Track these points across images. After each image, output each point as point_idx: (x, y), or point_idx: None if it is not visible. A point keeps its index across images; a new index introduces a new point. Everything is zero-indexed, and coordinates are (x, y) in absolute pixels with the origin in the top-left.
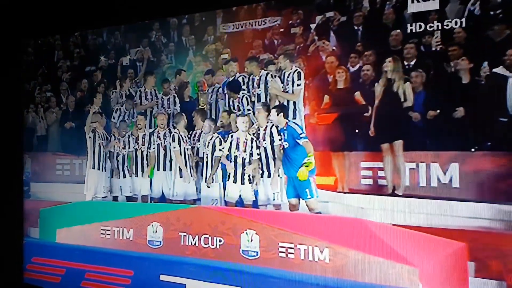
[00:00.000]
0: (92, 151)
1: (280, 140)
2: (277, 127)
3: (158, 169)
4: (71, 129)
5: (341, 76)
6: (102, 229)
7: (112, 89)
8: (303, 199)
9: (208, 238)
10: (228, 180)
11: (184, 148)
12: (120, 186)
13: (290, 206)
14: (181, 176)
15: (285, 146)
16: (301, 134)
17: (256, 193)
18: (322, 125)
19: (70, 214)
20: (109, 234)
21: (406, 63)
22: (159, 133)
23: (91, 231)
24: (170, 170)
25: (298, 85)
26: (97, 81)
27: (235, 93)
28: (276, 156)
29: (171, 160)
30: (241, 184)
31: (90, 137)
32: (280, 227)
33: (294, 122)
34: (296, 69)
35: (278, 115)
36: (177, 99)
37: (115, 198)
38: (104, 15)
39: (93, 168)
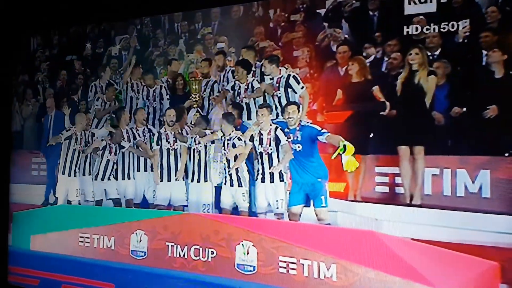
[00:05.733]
0: (64, 156)
1: (286, 141)
2: (282, 129)
3: (138, 170)
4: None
5: (354, 68)
6: (80, 237)
7: (93, 81)
8: (315, 207)
9: (198, 249)
10: (225, 183)
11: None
12: (105, 190)
13: (290, 215)
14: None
15: (298, 149)
16: (321, 130)
17: (252, 199)
18: (332, 124)
19: (46, 219)
20: (88, 242)
21: (429, 53)
22: (138, 130)
23: (68, 238)
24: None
25: (302, 87)
26: (78, 71)
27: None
28: (281, 159)
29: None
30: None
31: (65, 144)
32: (281, 239)
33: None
34: (289, 74)
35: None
36: (163, 91)
37: (99, 203)
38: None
39: (63, 173)
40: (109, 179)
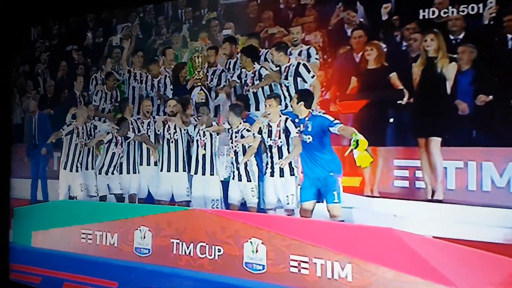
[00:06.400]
0: (66, 151)
1: (297, 132)
2: (292, 120)
3: (143, 164)
4: (50, 117)
5: (371, 54)
6: (83, 233)
7: (94, 72)
8: (327, 203)
9: (205, 246)
10: (233, 178)
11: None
12: (108, 184)
13: (302, 211)
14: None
15: (308, 141)
16: (334, 121)
17: (261, 194)
18: (346, 114)
19: (48, 215)
20: (91, 239)
21: (452, 37)
22: (143, 122)
23: (70, 234)
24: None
25: (313, 76)
26: (78, 62)
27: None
28: (292, 151)
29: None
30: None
31: (67, 138)
32: (292, 236)
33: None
34: (299, 63)
35: (298, 103)
36: (168, 81)
37: (102, 198)
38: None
39: (65, 168)
40: (112, 173)
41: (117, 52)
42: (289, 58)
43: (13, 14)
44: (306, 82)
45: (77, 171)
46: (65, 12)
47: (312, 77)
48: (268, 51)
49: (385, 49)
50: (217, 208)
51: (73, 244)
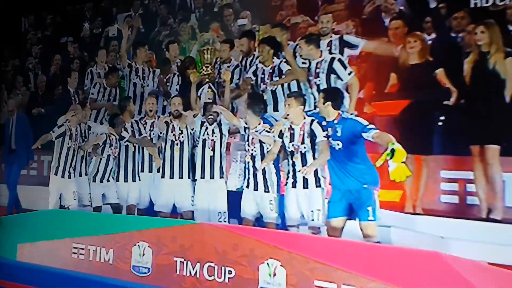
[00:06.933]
0: (57, 155)
1: (324, 137)
2: (319, 123)
3: (142, 171)
4: (40, 116)
5: (414, 47)
6: (74, 247)
7: (90, 66)
8: (360, 221)
9: (213, 267)
10: (248, 186)
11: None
12: (104, 193)
13: (330, 229)
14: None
15: (337, 147)
16: (368, 125)
17: (281, 209)
18: (384, 117)
19: (36, 226)
20: (83, 254)
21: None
22: (146, 123)
23: (60, 248)
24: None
25: (350, 73)
26: (73, 55)
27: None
28: (316, 160)
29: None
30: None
31: (58, 141)
32: (317, 259)
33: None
34: (333, 57)
35: (325, 104)
36: (175, 80)
37: (96, 209)
38: None
39: (56, 174)
40: (108, 180)
41: (115, 45)
42: (321, 52)
43: (2, 2)
44: (341, 79)
45: (69, 177)
46: (60, 0)
47: (349, 73)
48: (297, 44)
49: (430, 42)
50: (224, 222)
51: (63, 260)
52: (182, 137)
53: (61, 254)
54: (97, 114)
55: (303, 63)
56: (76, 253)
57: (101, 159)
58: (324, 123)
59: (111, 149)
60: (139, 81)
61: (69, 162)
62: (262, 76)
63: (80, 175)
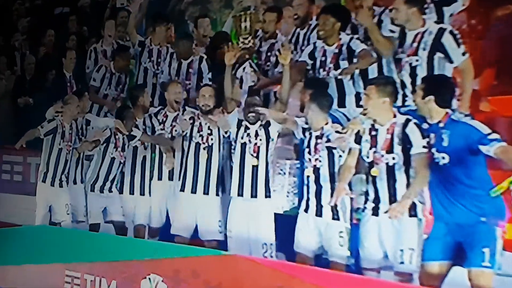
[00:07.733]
0: (46, 158)
1: (424, 147)
2: (418, 125)
3: (160, 178)
4: (28, 107)
5: None
6: (67, 275)
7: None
8: (471, 267)
9: None
10: (306, 210)
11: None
12: (105, 208)
13: (425, 277)
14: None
15: (442, 162)
16: (489, 134)
17: (355, 244)
18: (509, 119)
19: (20, 245)
20: (78, 285)
21: None
22: (166, 117)
23: (50, 275)
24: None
25: (464, 53)
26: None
27: None
28: (413, 183)
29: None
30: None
31: (48, 140)
32: None
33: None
34: (443, 29)
35: (425, 98)
36: (204, 66)
37: (94, 227)
38: None
39: (44, 181)
40: (111, 190)
41: (124, 16)
42: (424, 21)
43: None
44: (451, 61)
45: (61, 185)
46: None
47: (463, 54)
48: (384, 9)
49: None
50: (272, 257)
51: None
52: (212, 139)
53: (51, 283)
54: (100, 106)
55: (390, 31)
56: (69, 283)
57: (102, 162)
58: (424, 125)
59: (116, 150)
60: (153, 66)
61: (61, 166)
62: (323, 58)
63: (75, 182)
